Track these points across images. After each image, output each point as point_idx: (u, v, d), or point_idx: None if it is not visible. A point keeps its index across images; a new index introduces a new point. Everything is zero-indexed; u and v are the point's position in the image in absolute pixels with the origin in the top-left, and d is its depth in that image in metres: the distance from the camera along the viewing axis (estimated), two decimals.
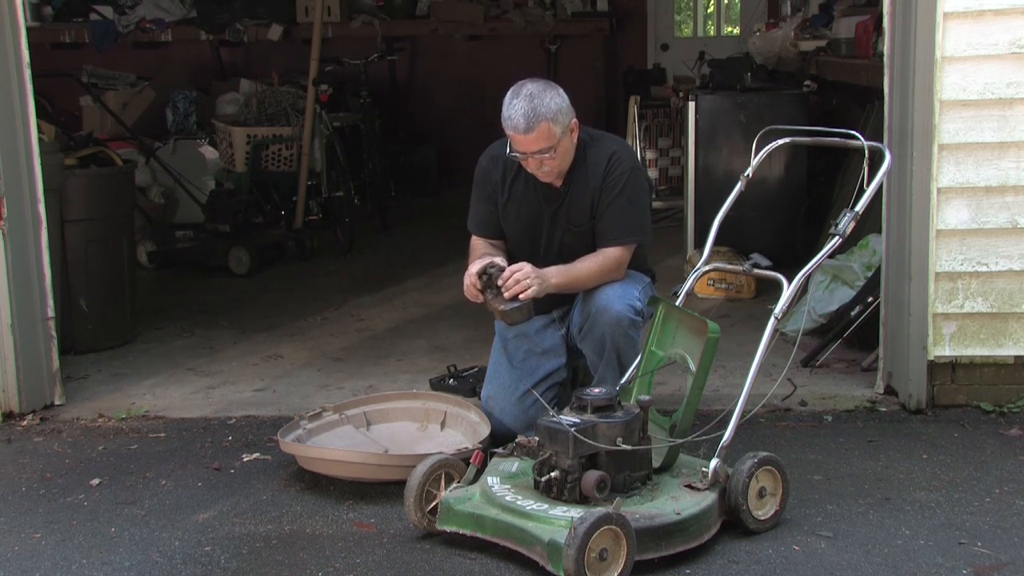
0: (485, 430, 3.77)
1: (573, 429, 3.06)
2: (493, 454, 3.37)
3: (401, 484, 3.32)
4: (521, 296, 3.54)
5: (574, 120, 3.65)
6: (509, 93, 3.59)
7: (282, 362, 5.26)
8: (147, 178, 7.84)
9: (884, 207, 4.39)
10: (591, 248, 3.82)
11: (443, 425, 4.03)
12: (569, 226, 3.83)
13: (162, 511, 3.58)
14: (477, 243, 3.96)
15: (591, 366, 3.87)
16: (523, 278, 3.55)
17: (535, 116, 3.52)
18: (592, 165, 3.78)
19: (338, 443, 3.88)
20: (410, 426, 4.07)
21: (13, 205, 4.38)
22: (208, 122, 8.62)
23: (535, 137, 3.54)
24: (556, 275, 3.67)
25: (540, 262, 3.81)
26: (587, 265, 3.74)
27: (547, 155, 3.59)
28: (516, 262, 3.90)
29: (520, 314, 3.57)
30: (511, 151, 3.64)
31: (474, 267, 3.66)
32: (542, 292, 3.58)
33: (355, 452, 3.78)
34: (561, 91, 3.62)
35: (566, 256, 3.81)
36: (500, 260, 3.68)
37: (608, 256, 3.76)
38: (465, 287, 3.68)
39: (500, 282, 3.57)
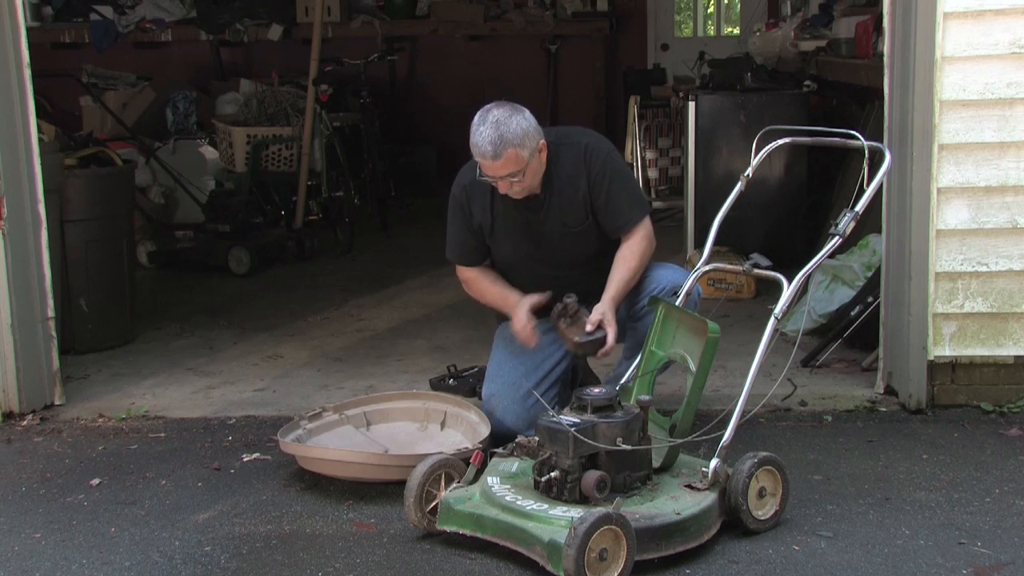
0: (485, 430, 3.77)
1: (573, 429, 3.06)
2: (493, 454, 3.37)
3: (401, 484, 3.33)
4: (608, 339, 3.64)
5: (542, 141, 3.66)
6: (476, 118, 3.60)
7: (282, 362, 5.26)
8: (147, 178, 7.83)
9: (884, 207, 4.39)
10: (593, 245, 3.84)
11: (443, 425, 4.03)
12: (565, 230, 3.83)
13: (162, 511, 3.58)
14: (472, 274, 3.99)
15: (627, 351, 3.87)
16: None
17: (501, 143, 3.54)
18: (569, 164, 3.79)
19: (338, 443, 3.88)
20: (410, 426, 4.07)
21: (13, 205, 4.38)
22: (208, 122, 8.62)
23: (502, 163, 3.57)
24: (613, 294, 3.72)
25: (546, 270, 3.80)
26: (629, 263, 3.78)
27: (516, 179, 3.63)
28: (519, 278, 3.94)
29: (593, 347, 3.67)
30: (481, 175, 3.67)
31: (524, 305, 3.80)
32: (609, 317, 3.67)
33: (355, 452, 3.78)
34: (527, 114, 3.64)
35: (571, 259, 3.81)
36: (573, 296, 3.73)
37: (638, 240, 3.80)
38: (522, 333, 3.79)
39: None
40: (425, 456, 3.40)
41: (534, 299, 3.82)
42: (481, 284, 3.98)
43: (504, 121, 3.56)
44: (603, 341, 3.64)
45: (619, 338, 3.90)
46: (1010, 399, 4.29)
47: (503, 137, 3.54)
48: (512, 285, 4.01)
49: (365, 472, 3.65)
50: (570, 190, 3.79)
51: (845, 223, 3.44)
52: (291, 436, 3.81)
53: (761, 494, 3.27)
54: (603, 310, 3.66)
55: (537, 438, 3.20)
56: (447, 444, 3.81)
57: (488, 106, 3.63)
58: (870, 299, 4.74)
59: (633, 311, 3.85)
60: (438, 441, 3.92)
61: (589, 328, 3.63)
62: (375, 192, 8.81)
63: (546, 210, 3.81)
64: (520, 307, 3.82)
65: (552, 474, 3.12)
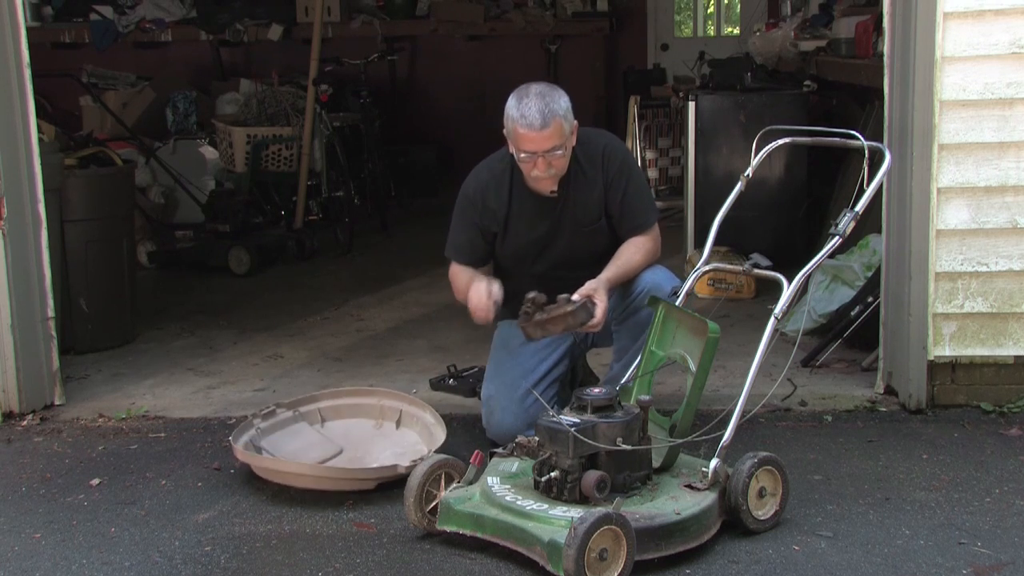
0: (441, 434, 3.79)
1: (573, 429, 3.06)
2: (493, 454, 3.37)
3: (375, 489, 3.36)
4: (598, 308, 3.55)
5: (575, 123, 3.69)
6: (514, 96, 3.61)
7: (282, 362, 5.26)
8: (147, 178, 7.83)
9: (884, 207, 4.39)
10: (602, 245, 3.84)
11: (398, 424, 4.03)
12: (578, 228, 3.84)
13: (162, 511, 3.58)
14: (460, 270, 3.91)
15: (617, 352, 3.87)
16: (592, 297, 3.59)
17: (549, 112, 3.56)
18: (587, 163, 3.80)
19: (292, 441, 3.88)
20: (365, 423, 4.06)
21: (13, 205, 4.38)
22: (208, 122, 8.62)
23: (549, 134, 3.57)
24: (609, 276, 3.69)
25: (555, 270, 3.81)
26: (633, 255, 3.78)
27: (558, 153, 3.62)
28: (520, 278, 3.92)
29: (583, 314, 3.51)
30: (519, 152, 3.64)
31: (487, 287, 3.68)
32: (600, 295, 3.60)
33: (307, 465, 3.72)
34: (564, 93, 3.67)
35: (581, 258, 3.81)
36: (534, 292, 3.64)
37: (646, 240, 3.82)
38: (481, 308, 3.67)
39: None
40: (376, 469, 3.51)
41: (498, 286, 3.74)
42: (462, 275, 3.88)
43: (548, 93, 3.60)
44: (591, 309, 3.54)
45: (607, 339, 3.91)
46: (1010, 399, 4.29)
47: (550, 107, 3.56)
48: (511, 286, 4.00)
49: (320, 484, 3.63)
50: (587, 189, 3.81)
51: (845, 223, 3.44)
52: (244, 437, 3.80)
53: (761, 494, 3.27)
54: (596, 286, 3.60)
55: (537, 438, 3.20)
56: (402, 445, 3.83)
57: (523, 86, 3.65)
58: (870, 299, 4.74)
59: (620, 312, 3.84)
60: (393, 440, 3.93)
61: (576, 298, 3.53)
62: (375, 192, 8.81)
63: (561, 208, 3.82)
64: (486, 286, 3.73)
65: (552, 474, 3.12)
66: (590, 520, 2.85)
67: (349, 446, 3.91)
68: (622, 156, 3.88)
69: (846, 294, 5.12)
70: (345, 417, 4.07)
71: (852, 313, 4.86)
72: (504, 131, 3.68)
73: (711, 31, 12.01)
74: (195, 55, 10.47)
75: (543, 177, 3.68)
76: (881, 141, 4.14)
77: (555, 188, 3.77)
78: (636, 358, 3.67)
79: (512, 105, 3.60)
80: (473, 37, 10.58)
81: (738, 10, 11.58)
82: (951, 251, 4.19)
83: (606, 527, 2.88)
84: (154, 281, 7.14)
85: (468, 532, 3.16)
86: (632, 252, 3.80)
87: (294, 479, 3.66)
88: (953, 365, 4.29)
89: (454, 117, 10.59)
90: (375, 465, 3.76)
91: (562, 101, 3.61)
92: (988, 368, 4.30)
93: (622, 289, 3.81)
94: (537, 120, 3.54)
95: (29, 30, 4.49)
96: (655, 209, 3.94)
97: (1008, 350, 4.27)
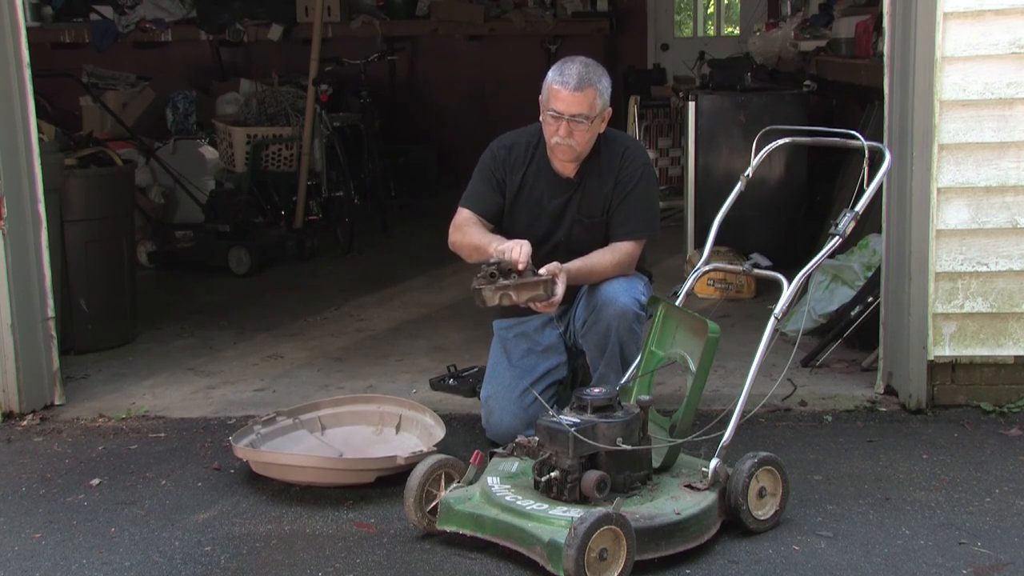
0: (440, 433, 3.79)
1: (573, 429, 3.06)
2: (493, 454, 3.37)
3: (359, 488, 3.34)
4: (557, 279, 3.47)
5: (609, 110, 3.75)
6: (557, 64, 3.74)
7: (282, 362, 5.26)
8: (147, 178, 7.83)
9: (884, 207, 4.39)
10: (601, 241, 3.85)
11: (398, 429, 4.03)
12: (581, 217, 3.87)
13: (162, 511, 3.58)
14: (471, 217, 3.84)
15: (592, 364, 3.87)
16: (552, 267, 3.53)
17: (588, 78, 3.66)
18: (606, 159, 3.84)
19: (291, 447, 3.88)
20: (365, 430, 4.06)
21: (13, 205, 4.38)
22: (208, 122, 8.62)
23: (581, 98, 3.64)
24: (574, 263, 3.68)
25: (547, 255, 3.81)
26: (602, 257, 3.77)
27: (582, 123, 3.67)
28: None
29: (550, 287, 3.43)
30: (548, 111, 3.70)
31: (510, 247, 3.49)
32: (562, 277, 3.52)
33: (309, 457, 3.74)
34: (608, 76, 3.77)
35: (574, 249, 3.81)
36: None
37: (622, 250, 3.80)
38: (518, 253, 3.43)
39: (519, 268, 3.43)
40: (375, 460, 3.49)
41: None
42: (471, 227, 3.81)
43: (593, 66, 3.73)
44: (552, 288, 3.46)
45: (576, 343, 3.91)
46: (1010, 399, 4.29)
47: (589, 76, 3.67)
48: None
49: (320, 476, 3.64)
50: (599, 183, 3.84)
51: (845, 223, 3.44)
52: (244, 441, 3.80)
53: (761, 494, 3.27)
54: (560, 268, 3.51)
55: (537, 438, 3.20)
56: (402, 448, 3.81)
57: (572, 56, 3.78)
58: (870, 299, 4.74)
59: (583, 323, 3.83)
60: (393, 445, 3.92)
61: (543, 272, 3.46)
62: (375, 192, 8.81)
63: (571, 195, 3.85)
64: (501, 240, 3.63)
65: (552, 474, 3.12)
66: (590, 520, 2.85)
67: (349, 451, 3.91)
68: (641, 162, 3.88)
69: (846, 294, 5.12)
70: (345, 424, 4.07)
71: (852, 313, 4.86)
72: (540, 97, 3.76)
73: (711, 31, 12.01)
74: (195, 55, 10.48)
75: (562, 144, 3.71)
76: (881, 141, 4.14)
77: (572, 175, 3.81)
78: (610, 366, 3.71)
79: (555, 67, 3.72)
80: (473, 37, 10.58)
81: (738, 10, 11.57)
82: (951, 251, 4.19)
83: (606, 527, 2.88)
84: (154, 281, 7.13)
85: (468, 532, 3.16)
86: (603, 254, 3.77)
87: (293, 472, 3.66)
88: (953, 365, 4.29)
89: (454, 117, 10.58)
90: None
91: (604, 79, 3.72)
92: (988, 368, 4.30)
93: (586, 299, 3.81)
94: (573, 81, 3.64)
95: (29, 30, 4.49)
96: (650, 227, 3.87)
97: (1008, 350, 4.27)
